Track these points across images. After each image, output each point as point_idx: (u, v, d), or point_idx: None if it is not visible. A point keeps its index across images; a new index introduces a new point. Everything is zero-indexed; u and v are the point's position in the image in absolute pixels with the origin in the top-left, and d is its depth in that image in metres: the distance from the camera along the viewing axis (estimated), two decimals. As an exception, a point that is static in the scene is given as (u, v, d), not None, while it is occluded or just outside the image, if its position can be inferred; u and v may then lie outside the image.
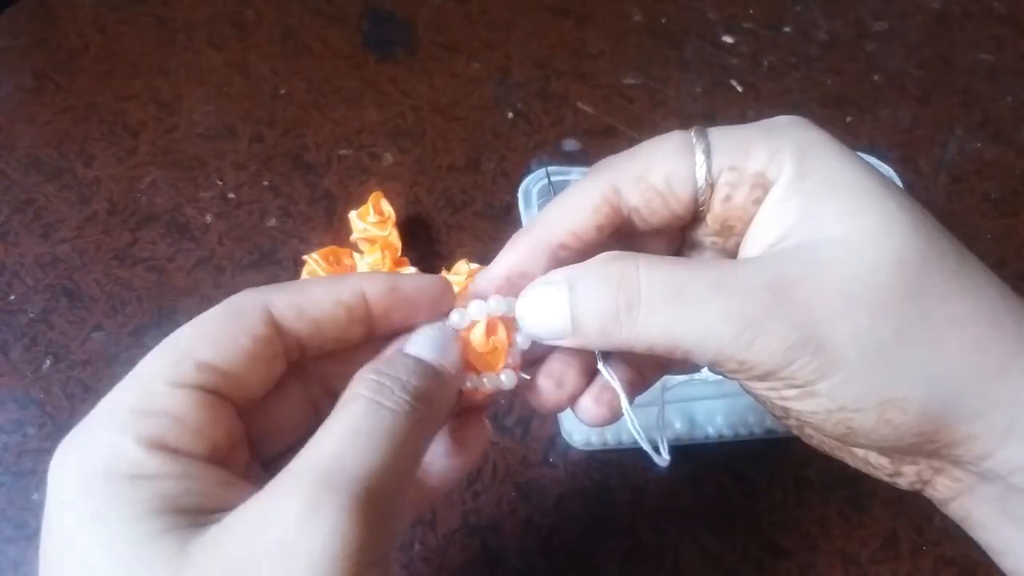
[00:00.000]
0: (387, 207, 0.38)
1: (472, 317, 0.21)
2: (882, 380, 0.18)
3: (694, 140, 0.20)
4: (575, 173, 0.37)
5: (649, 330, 0.19)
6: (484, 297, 0.21)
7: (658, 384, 0.31)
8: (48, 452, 0.35)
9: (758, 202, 0.20)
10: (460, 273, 0.37)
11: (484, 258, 0.39)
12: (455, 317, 0.21)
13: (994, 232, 0.43)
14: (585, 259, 0.21)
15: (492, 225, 0.41)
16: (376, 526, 0.16)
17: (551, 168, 0.38)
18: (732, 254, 0.22)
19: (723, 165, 0.20)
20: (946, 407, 0.18)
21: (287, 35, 0.48)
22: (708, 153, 0.20)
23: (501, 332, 0.21)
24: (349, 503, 0.16)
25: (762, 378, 0.19)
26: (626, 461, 0.34)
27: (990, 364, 0.18)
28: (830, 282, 0.18)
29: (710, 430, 0.34)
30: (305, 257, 0.37)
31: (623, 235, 0.22)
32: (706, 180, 0.20)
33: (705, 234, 0.21)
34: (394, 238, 0.38)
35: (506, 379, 0.21)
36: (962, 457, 0.19)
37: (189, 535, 0.16)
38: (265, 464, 0.21)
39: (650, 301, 0.19)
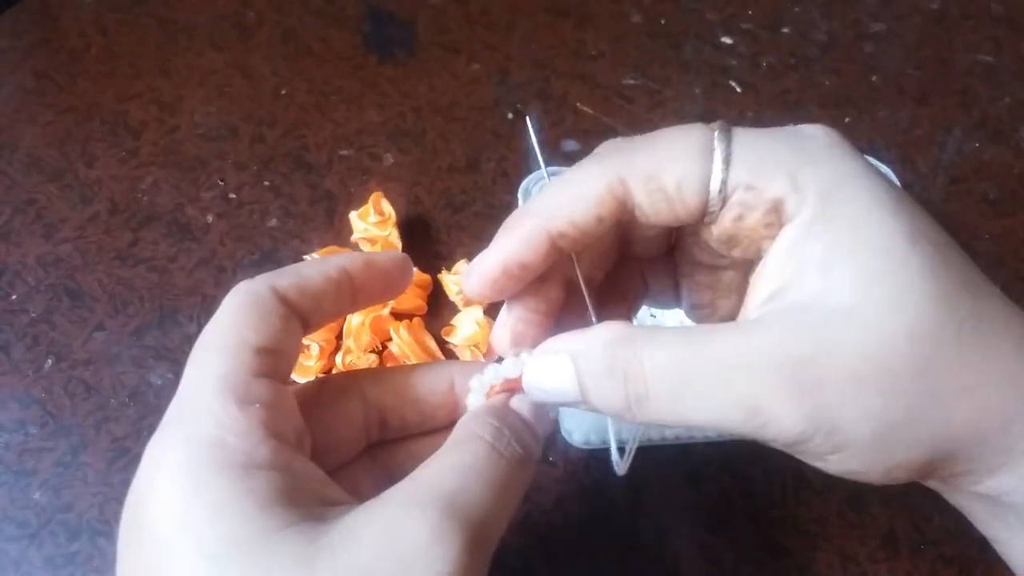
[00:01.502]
0: (387, 207, 0.38)
1: (489, 382, 0.22)
2: (891, 453, 0.18)
3: (715, 142, 0.19)
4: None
5: (659, 416, 0.19)
6: (493, 354, 0.23)
7: None
8: (49, 451, 0.35)
9: (770, 228, 0.19)
10: (460, 273, 0.37)
11: (484, 258, 0.39)
12: (474, 383, 0.22)
13: (992, 232, 0.43)
14: (582, 247, 0.21)
15: (492, 225, 0.41)
16: (481, 564, 0.17)
17: (550, 168, 0.38)
18: (736, 264, 0.21)
19: (740, 181, 0.18)
20: (949, 460, 0.18)
21: (288, 36, 0.48)
22: (728, 163, 0.18)
23: None
24: (469, 537, 0.17)
25: (772, 445, 0.19)
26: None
27: (995, 424, 0.18)
28: (841, 362, 0.17)
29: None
30: (306, 257, 0.37)
31: (622, 223, 0.21)
32: (720, 193, 0.19)
33: (709, 237, 0.21)
34: (394, 238, 0.38)
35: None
36: (954, 482, 0.19)
37: (313, 533, 0.16)
38: None
39: (656, 395, 0.18)
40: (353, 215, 0.38)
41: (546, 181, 0.22)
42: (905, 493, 0.34)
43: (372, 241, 0.38)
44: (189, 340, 0.37)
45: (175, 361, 0.36)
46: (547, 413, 0.23)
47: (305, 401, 0.21)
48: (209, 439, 0.17)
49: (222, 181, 0.42)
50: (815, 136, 0.19)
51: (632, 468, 0.34)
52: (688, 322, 0.26)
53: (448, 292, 0.38)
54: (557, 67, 0.48)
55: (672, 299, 0.25)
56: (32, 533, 0.32)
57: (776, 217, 0.19)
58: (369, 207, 0.38)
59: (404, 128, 0.44)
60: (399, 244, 0.38)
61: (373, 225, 0.38)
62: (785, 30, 0.51)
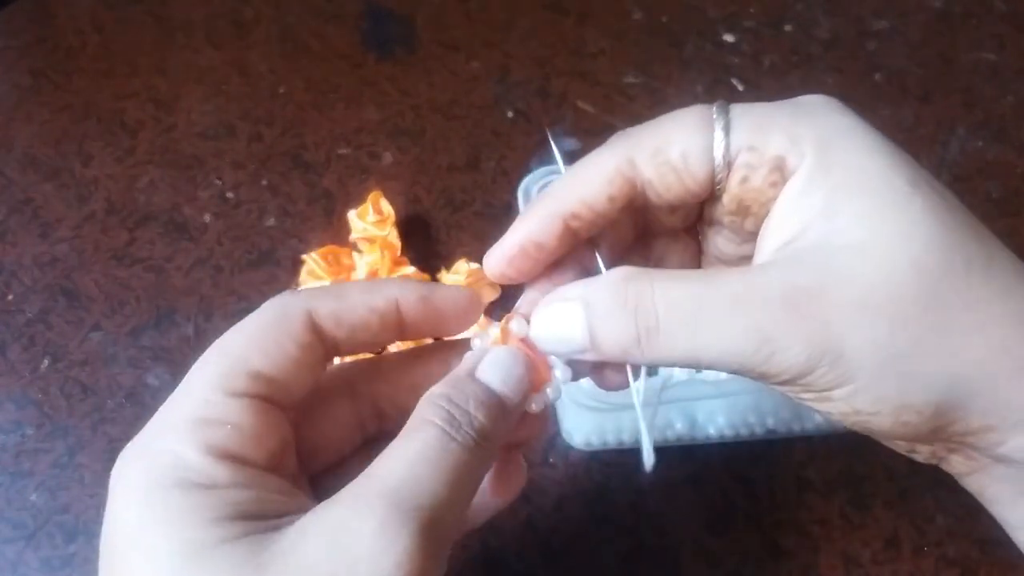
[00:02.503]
0: (386, 206, 0.38)
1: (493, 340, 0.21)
2: (898, 388, 0.18)
3: (715, 115, 0.19)
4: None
5: (670, 352, 0.19)
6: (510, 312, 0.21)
7: (658, 383, 0.31)
8: (46, 453, 0.35)
9: (776, 186, 0.19)
10: (460, 273, 0.37)
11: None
12: (477, 343, 0.21)
13: (996, 231, 0.42)
14: (597, 229, 0.21)
15: (492, 225, 0.41)
16: (435, 555, 0.17)
17: (550, 168, 0.38)
18: (750, 234, 0.21)
19: (742, 144, 0.19)
20: (962, 406, 0.18)
21: (286, 34, 0.48)
22: (727, 131, 0.19)
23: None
24: (418, 529, 0.17)
25: (782, 384, 0.19)
26: (627, 462, 0.34)
27: (1009, 365, 0.18)
28: (847, 293, 0.18)
29: (711, 430, 0.33)
30: (304, 257, 0.37)
31: (637, 207, 0.21)
32: (724, 159, 0.19)
33: (722, 212, 0.21)
34: (393, 237, 0.38)
35: (552, 393, 0.21)
36: (976, 444, 0.19)
37: (263, 540, 0.17)
38: (311, 479, 0.22)
39: (668, 326, 0.19)
40: (352, 214, 0.38)
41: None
42: (907, 495, 0.34)
43: (371, 240, 0.37)
44: (186, 340, 0.36)
45: (172, 362, 0.36)
46: (525, 377, 0.21)
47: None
48: (170, 456, 0.18)
49: (219, 180, 0.42)
50: (811, 100, 0.20)
51: (633, 469, 0.34)
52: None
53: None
54: (557, 65, 0.47)
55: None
56: (29, 535, 0.31)
57: (780, 175, 0.19)
58: (368, 206, 0.38)
59: (403, 127, 0.44)
60: (398, 244, 0.38)
61: (372, 224, 0.38)
62: (787, 28, 0.50)
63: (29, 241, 0.39)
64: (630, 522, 0.32)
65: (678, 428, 0.33)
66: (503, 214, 0.41)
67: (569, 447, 0.34)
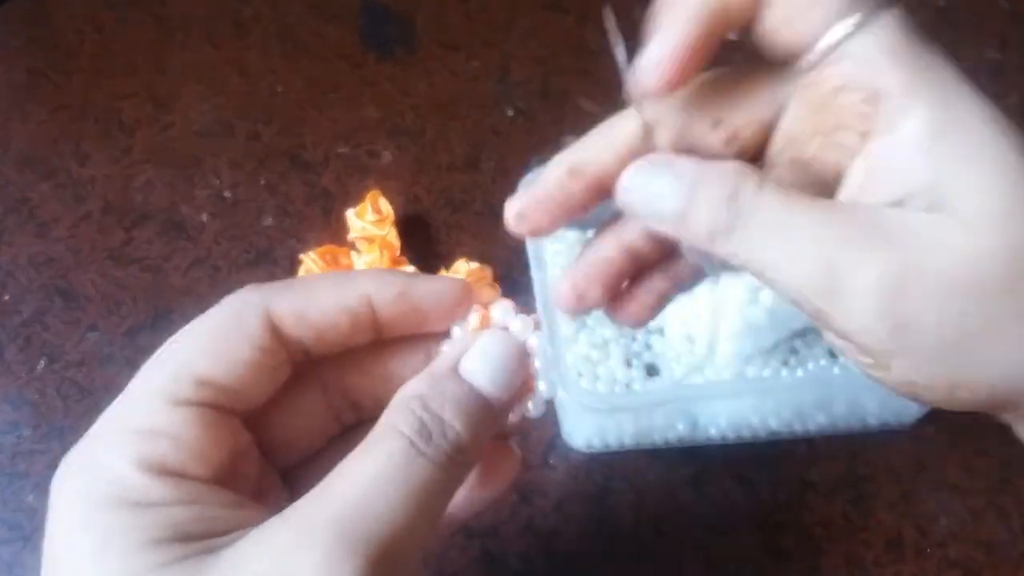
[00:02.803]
0: (385, 206, 0.38)
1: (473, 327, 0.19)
2: (956, 367, 0.17)
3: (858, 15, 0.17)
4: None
5: (749, 253, 0.18)
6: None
7: (664, 382, 0.30)
8: (42, 454, 0.34)
9: (863, 120, 0.18)
10: (459, 272, 0.37)
11: (484, 257, 0.38)
12: (456, 331, 0.19)
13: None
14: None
15: (492, 224, 0.40)
16: None
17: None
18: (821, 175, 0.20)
19: (855, 54, 0.17)
20: (1018, 391, 0.17)
21: (285, 33, 0.48)
22: (859, 25, 0.17)
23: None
24: (365, 564, 0.15)
25: (838, 335, 0.18)
26: (627, 463, 0.34)
27: None
28: (931, 258, 0.17)
29: (713, 432, 0.33)
30: (302, 256, 0.37)
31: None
32: (829, 47, 0.17)
33: (799, 106, 0.19)
34: (392, 237, 0.37)
35: (534, 407, 0.19)
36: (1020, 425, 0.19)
37: (199, 565, 0.16)
38: (285, 471, 0.21)
39: (762, 231, 0.17)
40: (350, 213, 0.38)
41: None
42: (910, 497, 0.34)
43: (369, 240, 0.37)
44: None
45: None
46: (517, 372, 0.18)
47: None
48: (107, 472, 0.17)
49: (217, 179, 0.41)
50: (943, 59, 0.18)
51: (634, 471, 0.34)
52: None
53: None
54: (558, 64, 0.47)
55: None
56: (25, 536, 0.31)
57: (874, 108, 0.18)
58: (367, 206, 0.38)
59: (402, 126, 0.44)
60: (397, 243, 0.37)
61: (371, 224, 0.37)
62: (788, 26, 0.50)
63: (25, 241, 0.39)
64: (631, 524, 0.32)
65: (680, 429, 0.33)
66: (503, 214, 0.41)
67: (569, 448, 0.34)
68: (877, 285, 0.17)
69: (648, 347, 0.35)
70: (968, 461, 0.34)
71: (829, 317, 0.17)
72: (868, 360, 0.18)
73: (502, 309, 0.19)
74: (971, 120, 0.17)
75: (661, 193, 0.18)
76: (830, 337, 0.19)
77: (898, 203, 0.18)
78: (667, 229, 0.19)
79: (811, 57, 0.18)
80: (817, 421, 0.33)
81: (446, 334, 0.20)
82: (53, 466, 0.33)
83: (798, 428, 0.33)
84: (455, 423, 0.17)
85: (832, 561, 0.32)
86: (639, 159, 0.19)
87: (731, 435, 0.33)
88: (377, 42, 0.48)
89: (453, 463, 0.17)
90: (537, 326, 0.19)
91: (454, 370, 0.18)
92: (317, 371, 0.20)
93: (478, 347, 0.19)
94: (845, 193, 0.19)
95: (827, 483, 0.34)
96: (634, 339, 0.35)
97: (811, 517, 0.33)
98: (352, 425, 0.22)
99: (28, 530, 0.31)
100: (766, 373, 0.34)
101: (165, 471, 0.17)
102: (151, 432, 0.17)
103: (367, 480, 0.16)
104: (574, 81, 0.46)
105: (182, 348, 0.18)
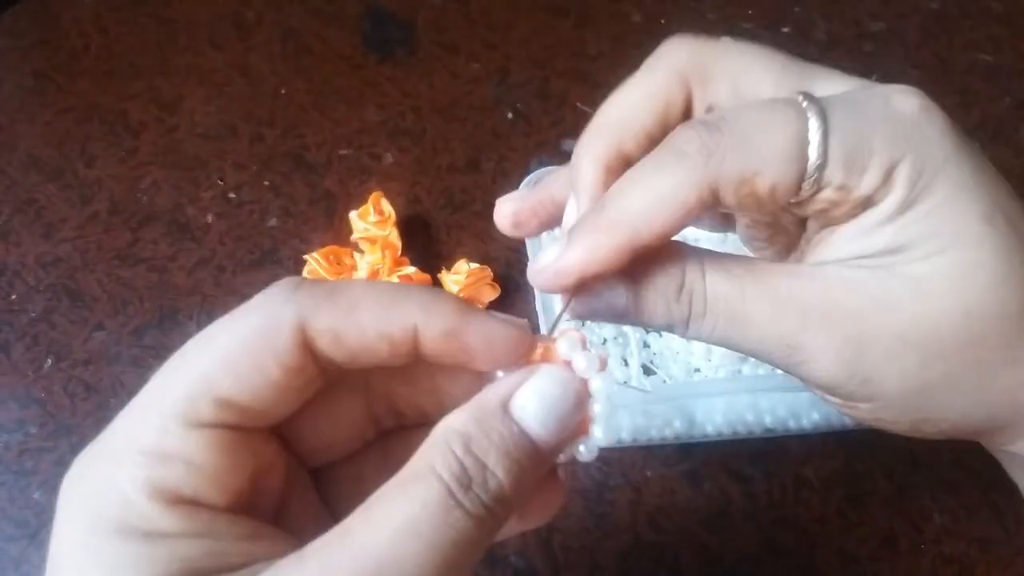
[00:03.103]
0: (387, 207, 0.38)
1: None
2: (919, 410, 0.19)
3: (811, 138, 0.17)
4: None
5: (710, 336, 0.19)
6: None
7: (661, 380, 0.31)
8: (49, 451, 0.35)
9: (854, 213, 0.18)
10: (460, 272, 0.37)
11: (484, 258, 0.39)
12: (500, 372, 0.18)
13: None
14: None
15: (492, 225, 0.41)
16: None
17: (550, 168, 0.38)
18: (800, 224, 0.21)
19: (833, 180, 0.17)
20: (979, 425, 0.19)
21: (287, 35, 0.48)
22: (823, 166, 0.17)
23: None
24: None
25: (807, 383, 0.19)
26: (625, 460, 0.34)
27: None
28: (890, 323, 0.18)
29: (709, 428, 0.34)
30: (306, 257, 0.37)
31: None
32: (811, 190, 0.18)
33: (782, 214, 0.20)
34: (394, 238, 0.38)
35: (586, 451, 0.18)
36: (989, 446, 0.20)
37: None
38: (317, 472, 0.20)
39: (716, 317, 0.19)
40: (353, 215, 0.38)
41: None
42: (905, 493, 0.34)
43: (372, 240, 0.38)
44: (189, 340, 0.37)
45: (175, 361, 0.36)
46: (573, 416, 0.17)
47: None
48: (118, 496, 0.15)
49: (221, 181, 0.42)
50: (908, 111, 0.18)
51: (632, 467, 0.34)
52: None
53: (448, 291, 0.38)
54: (557, 66, 0.48)
55: (724, 225, 0.24)
56: (32, 533, 0.32)
57: (861, 211, 0.18)
58: (369, 207, 0.38)
59: (404, 127, 0.44)
60: (399, 244, 0.38)
61: (373, 225, 0.38)
62: (785, 29, 0.50)
63: (32, 241, 0.39)
64: (629, 520, 0.33)
65: (676, 426, 0.33)
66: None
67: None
68: (839, 354, 0.18)
69: (645, 345, 0.35)
70: (962, 458, 0.35)
71: (795, 373, 0.19)
72: (836, 400, 0.19)
73: (568, 342, 0.18)
74: (941, 190, 0.18)
75: (611, 304, 0.19)
76: (800, 380, 0.20)
77: (849, 260, 0.18)
78: (630, 323, 0.20)
79: (800, 200, 0.18)
80: (812, 418, 0.34)
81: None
82: (60, 463, 0.34)
83: (793, 425, 0.34)
84: (498, 471, 0.15)
85: (827, 557, 0.32)
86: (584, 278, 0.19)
87: (727, 432, 0.34)
88: (378, 44, 0.48)
89: (491, 515, 0.15)
90: (603, 366, 0.18)
91: (504, 407, 0.16)
92: (359, 377, 0.19)
93: (534, 385, 0.17)
94: (813, 249, 0.20)
95: (822, 480, 0.34)
96: (631, 338, 0.35)
97: (806, 513, 0.33)
98: (389, 431, 0.20)
99: (35, 527, 0.32)
100: (761, 371, 0.34)
101: (178, 499, 0.16)
102: (165, 455, 0.16)
103: (396, 531, 0.14)
104: (573, 83, 0.47)
105: (201, 361, 0.16)
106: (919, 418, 0.19)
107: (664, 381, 0.34)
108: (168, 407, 0.16)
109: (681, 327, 0.19)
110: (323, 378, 0.18)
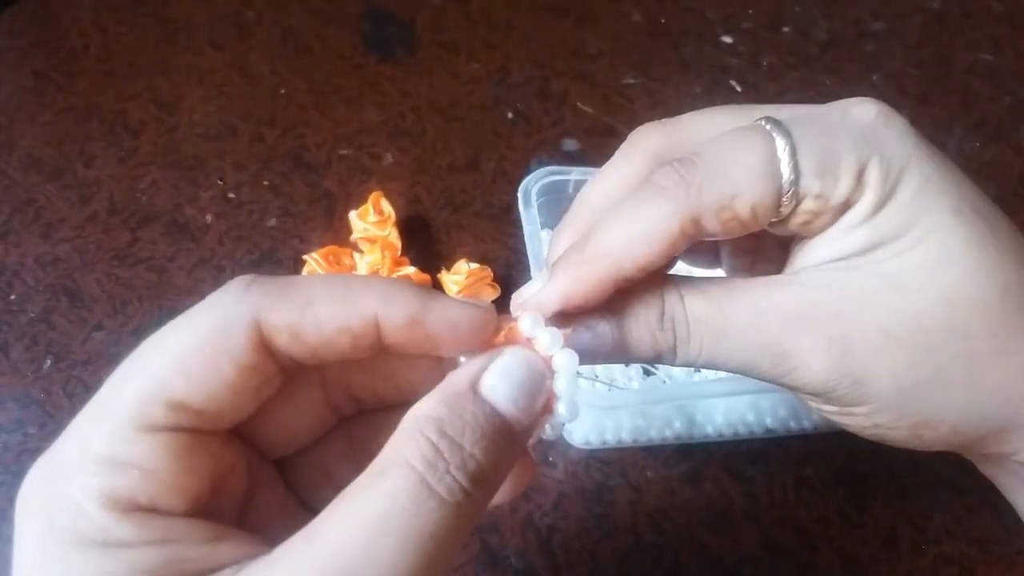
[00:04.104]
0: (387, 207, 0.38)
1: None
2: (916, 409, 0.18)
3: (780, 155, 0.18)
4: (575, 173, 0.37)
5: (696, 359, 0.19)
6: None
7: (662, 380, 0.31)
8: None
9: (834, 218, 0.19)
10: (460, 273, 0.37)
11: (484, 258, 0.39)
12: (463, 360, 0.17)
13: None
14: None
15: (492, 225, 0.41)
16: None
17: (550, 168, 0.38)
18: (779, 236, 0.21)
19: (810, 190, 0.18)
20: (979, 426, 0.19)
21: (287, 35, 0.48)
22: (796, 181, 0.18)
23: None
24: None
25: (801, 393, 0.19)
26: (625, 460, 0.34)
27: None
28: (872, 320, 0.18)
29: (709, 429, 0.34)
30: (305, 257, 0.37)
31: None
32: (791, 204, 0.18)
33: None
34: (394, 238, 0.38)
35: (552, 430, 0.18)
36: (989, 455, 0.20)
37: None
38: (280, 462, 0.19)
39: (699, 340, 0.19)
40: (352, 215, 0.38)
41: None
42: (905, 493, 0.34)
43: (371, 240, 0.38)
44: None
45: (174, 361, 0.36)
46: (541, 393, 0.16)
47: None
48: (71, 506, 0.15)
49: (221, 181, 0.42)
50: (868, 119, 0.19)
51: (632, 468, 0.34)
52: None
53: (447, 292, 0.38)
54: (557, 66, 0.48)
55: (710, 260, 0.25)
56: (31, 533, 0.32)
57: (840, 216, 0.19)
58: (369, 207, 0.38)
59: (404, 127, 0.44)
60: (399, 244, 0.38)
61: (373, 225, 0.38)
62: (786, 29, 0.50)
63: (31, 241, 0.39)
64: (629, 520, 0.33)
65: (677, 427, 0.33)
66: (503, 214, 0.41)
67: (568, 445, 0.34)
68: (827, 354, 0.18)
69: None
70: (962, 458, 0.34)
71: (787, 384, 0.19)
72: (833, 408, 0.19)
73: (531, 320, 0.17)
74: (909, 189, 0.18)
75: (596, 341, 0.19)
76: (795, 392, 0.20)
77: (824, 264, 0.19)
78: (619, 361, 0.20)
79: (781, 218, 0.19)
80: (812, 419, 0.34)
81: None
82: (59, 463, 0.34)
83: (794, 426, 0.34)
84: (476, 451, 0.15)
85: (828, 558, 0.32)
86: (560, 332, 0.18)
87: (728, 433, 0.34)
88: (378, 44, 0.48)
89: (470, 499, 0.15)
90: (565, 341, 0.18)
91: (474, 388, 0.16)
92: (314, 369, 0.19)
93: (501, 364, 0.16)
94: (791, 259, 0.20)
95: (823, 480, 0.34)
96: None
97: (807, 514, 0.33)
98: (351, 417, 0.20)
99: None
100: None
101: (133, 507, 0.15)
102: (118, 462, 0.15)
103: (367, 529, 0.14)
104: (573, 83, 0.47)
105: (152, 364, 0.16)
106: (917, 421, 0.19)
107: (664, 381, 0.34)
108: (120, 412, 0.16)
109: (669, 355, 0.19)
110: (281, 376, 0.17)
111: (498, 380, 0.16)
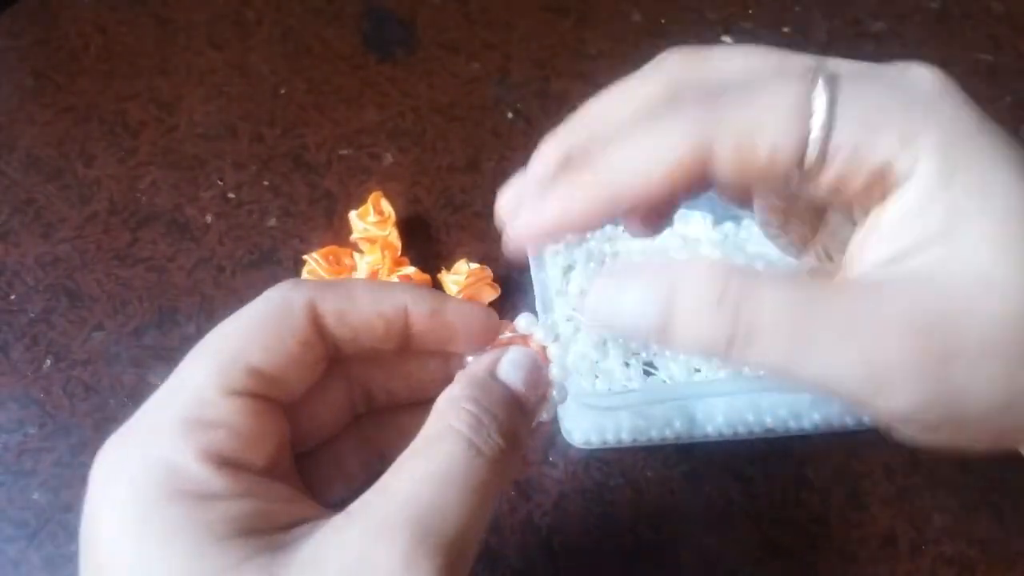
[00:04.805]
0: (387, 207, 0.38)
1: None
2: (1003, 424, 0.17)
3: (816, 100, 0.16)
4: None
5: (763, 360, 0.16)
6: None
7: (662, 380, 0.31)
8: (48, 452, 0.35)
9: (876, 189, 0.17)
10: (460, 273, 0.37)
11: (484, 258, 0.39)
12: (469, 359, 0.21)
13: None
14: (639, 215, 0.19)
15: (492, 225, 0.41)
16: None
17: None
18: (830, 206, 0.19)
19: (844, 143, 0.16)
20: None
21: (287, 35, 0.48)
22: (830, 125, 0.16)
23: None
24: (444, 560, 0.16)
25: (884, 417, 0.17)
26: (626, 460, 0.34)
27: None
28: (970, 327, 0.16)
29: (710, 429, 0.34)
30: (305, 257, 0.37)
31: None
32: (818, 156, 0.16)
33: (795, 198, 0.19)
34: (394, 238, 0.38)
35: (546, 413, 0.21)
36: None
37: (273, 566, 0.15)
38: (297, 458, 0.21)
39: (773, 336, 0.16)
40: (353, 215, 0.38)
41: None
42: (905, 493, 0.34)
43: (371, 241, 0.38)
44: (188, 340, 0.36)
45: (174, 361, 0.35)
46: (542, 380, 0.20)
47: None
48: (163, 463, 0.16)
49: (221, 181, 0.42)
50: (926, 85, 0.17)
51: (632, 467, 0.34)
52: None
53: (448, 292, 0.38)
54: (557, 66, 0.48)
55: (742, 201, 0.22)
56: (31, 533, 0.32)
57: (882, 180, 0.16)
58: (369, 207, 0.38)
59: (404, 127, 0.44)
60: (399, 244, 0.38)
61: (373, 225, 0.38)
62: (786, 29, 0.50)
63: (31, 241, 0.39)
64: (629, 520, 0.33)
65: (677, 427, 0.33)
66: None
67: (569, 445, 0.34)
68: (923, 370, 0.16)
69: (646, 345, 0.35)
70: (963, 459, 0.35)
71: (874, 407, 0.16)
72: (914, 429, 0.17)
73: (527, 319, 0.21)
74: (978, 165, 0.16)
75: (635, 311, 0.17)
76: (871, 415, 0.18)
77: (900, 260, 0.16)
78: (652, 342, 0.19)
79: (808, 169, 0.16)
80: (813, 419, 0.34)
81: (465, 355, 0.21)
82: (59, 464, 0.34)
83: (794, 426, 0.34)
84: (505, 419, 0.18)
85: (827, 558, 0.32)
86: (603, 277, 0.18)
87: (728, 432, 0.34)
88: (378, 44, 0.48)
89: (506, 458, 0.18)
90: (556, 337, 0.21)
91: (493, 374, 0.19)
92: (345, 365, 0.21)
93: (510, 357, 0.20)
94: (859, 254, 0.17)
95: (823, 480, 0.34)
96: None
97: (807, 514, 0.33)
98: (360, 415, 0.22)
99: (34, 527, 0.32)
100: (762, 371, 0.34)
101: (225, 462, 0.17)
102: (207, 422, 0.17)
103: (434, 481, 0.16)
104: (573, 83, 0.47)
105: (232, 336, 0.18)
106: (1002, 434, 0.17)
107: (664, 381, 0.34)
108: (203, 379, 0.18)
109: (723, 347, 0.16)
110: (326, 360, 0.20)
111: (509, 369, 0.20)
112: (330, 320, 0.19)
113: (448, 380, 0.20)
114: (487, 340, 0.21)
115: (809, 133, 0.16)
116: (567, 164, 0.19)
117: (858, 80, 0.17)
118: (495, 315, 0.21)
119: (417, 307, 0.20)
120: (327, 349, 0.19)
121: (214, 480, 0.16)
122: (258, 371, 0.18)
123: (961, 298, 0.16)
